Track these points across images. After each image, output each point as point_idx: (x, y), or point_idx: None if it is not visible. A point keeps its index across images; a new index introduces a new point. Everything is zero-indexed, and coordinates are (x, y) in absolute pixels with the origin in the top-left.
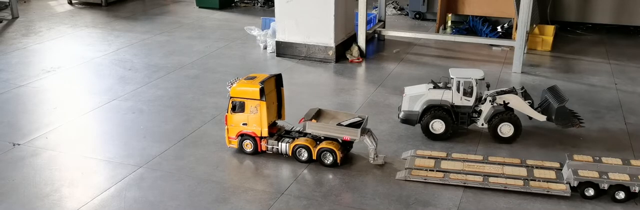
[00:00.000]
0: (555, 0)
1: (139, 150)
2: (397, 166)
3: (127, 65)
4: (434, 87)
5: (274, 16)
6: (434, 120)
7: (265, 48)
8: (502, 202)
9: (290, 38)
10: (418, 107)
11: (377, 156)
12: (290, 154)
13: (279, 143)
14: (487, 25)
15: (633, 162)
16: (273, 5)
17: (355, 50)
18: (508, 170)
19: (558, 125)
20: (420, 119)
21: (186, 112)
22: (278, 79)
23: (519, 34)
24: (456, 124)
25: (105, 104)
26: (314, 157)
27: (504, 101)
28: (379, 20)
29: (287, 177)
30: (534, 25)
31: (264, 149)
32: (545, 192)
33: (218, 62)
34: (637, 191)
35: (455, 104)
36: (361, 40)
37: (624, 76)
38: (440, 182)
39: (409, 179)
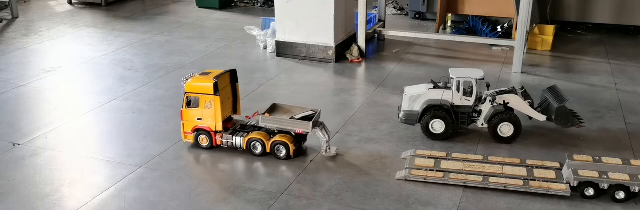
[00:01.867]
0: (555, 0)
1: (139, 150)
2: (397, 166)
3: (127, 65)
4: (434, 87)
5: (274, 16)
6: (434, 120)
7: (265, 48)
8: (502, 202)
9: (290, 38)
10: (418, 107)
11: (330, 148)
12: (244, 148)
13: (234, 137)
14: (487, 25)
15: (633, 162)
16: (273, 5)
17: (355, 50)
18: (508, 170)
19: (558, 125)
20: (420, 119)
21: None
22: (233, 75)
23: (519, 34)
24: (456, 124)
25: (105, 104)
26: (268, 150)
27: (504, 101)
28: (379, 20)
29: (287, 176)
30: (534, 25)
31: (219, 143)
32: (545, 192)
33: (218, 62)
34: (637, 191)
35: (455, 104)
36: (361, 40)
37: (624, 76)
38: (440, 182)
39: (409, 179)
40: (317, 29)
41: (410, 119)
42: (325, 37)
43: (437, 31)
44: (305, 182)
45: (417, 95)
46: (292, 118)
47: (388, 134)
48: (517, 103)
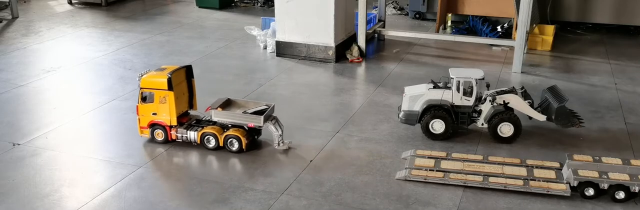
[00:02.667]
0: (555, 0)
1: (139, 150)
2: (397, 166)
3: (127, 65)
4: (434, 87)
5: (274, 16)
6: (434, 120)
7: (265, 48)
8: (502, 202)
9: (290, 38)
10: (418, 107)
11: (283, 142)
12: (198, 142)
13: (188, 131)
14: (487, 25)
15: (633, 162)
16: (273, 5)
17: (355, 50)
18: (508, 170)
19: (558, 125)
20: (420, 119)
21: None
22: (188, 71)
23: (519, 34)
24: (456, 124)
25: (105, 104)
26: (221, 144)
27: (504, 101)
28: (379, 20)
29: (287, 176)
30: (534, 25)
31: (174, 137)
32: (545, 192)
33: (218, 62)
34: (637, 191)
35: (455, 104)
36: (361, 40)
37: (624, 76)
38: (440, 182)
39: (409, 178)
40: (317, 29)
41: (410, 119)
42: (325, 37)
43: (437, 31)
44: (305, 182)
45: (417, 95)
46: (244, 112)
47: (388, 134)
48: (517, 103)
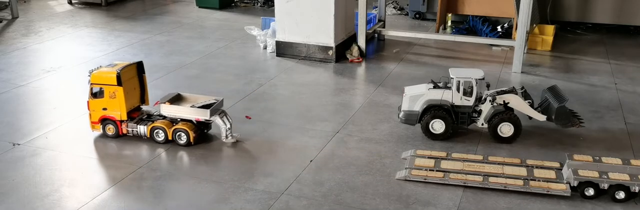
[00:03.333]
0: (555, 0)
1: (139, 150)
2: (397, 166)
3: None
4: (434, 87)
5: (274, 16)
6: (434, 120)
7: (265, 48)
8: (502, 202)
9: (290, 38)
10: (418, 107)
11: (231, 135)
12: (148, 136)
13: (138, 126)
14: (487, 25)
15: (633, 162)
16: (273, 5)
17: (355, 50)
18: (508, 170)
19: (558, 125)
20: (420, 119)
21: None
22: (139, 66)
23: (519, 34)
24: (456, 124)
25: None
26: (170, 137)
27: (504, 101)
28: (379, 20)
29: (287, 176)
30: (534, 25)
31: (125, 131)
32: (545, 192)
33: (218, 62)
34: (637, 191)
35: (455, 104)
36: (361, 40)
37: (624, 76)
38: (440, 182)
39: (409, 178)
40: (317, 29)
41: (410, 119)
42: (325, 37)
43: (437, 31)
44: (305, 182)
45: (417, 95)
46: (192, 106)
47: (388, 134)
48: (517, 103)
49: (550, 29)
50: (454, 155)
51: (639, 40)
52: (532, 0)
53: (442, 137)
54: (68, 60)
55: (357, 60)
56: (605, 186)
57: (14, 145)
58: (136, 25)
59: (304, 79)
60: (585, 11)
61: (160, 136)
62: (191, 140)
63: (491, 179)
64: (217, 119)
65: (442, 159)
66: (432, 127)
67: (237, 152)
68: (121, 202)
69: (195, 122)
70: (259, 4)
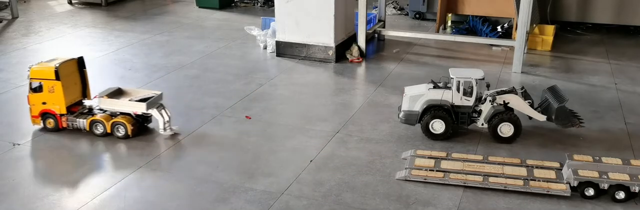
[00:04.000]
0: (555, 0)
1: (138, 150)
2: (397, 166)
3: (127, 65)
4: (434, 87)
5: (274, 16)
6: (434, 120)
7: (265, 48)
8: (502, 202)
9: (290, 38)
10: (418, 107)
11: (170, 128)
12: (88, 129)
13: (78, 119)
14: (487, 25)
15: (633, 162)
16: (273, 5)
17: (355, 50)
18: (508, 170)
19: (558, 125)
20: (420, 119)
21: (186, 112)
22: (80, 61)
23: (519, 34)
24: (456, 124)
25: None
26: (109, 130)
27: (504, 101)
28: (379, 20)
29: (287, 176)
30: (534, 25)
31: (64, 125)
32: (545, 192)
33: (218, 62)
34: (637, 191)
35: (455, 104)
36: (361, 40)
37: (624, 76)
38: (440, 182)
39: (409, 179)
40: (317, 29)
41: (410, 119)
42: (325, 37)
43: (437, 31)
44: (305, 182)
45: (417, 95)
46: (130, 100)
47: (388, 134)
48: (517, 103)
49: (550, 29)
50: (454, 155)
51: (639, 40)
52: (532, 0)
53: (442, 137)
54: None
55: (357, 60)
56: (605, 186)
57: (14, 145)
58: (136, 25)
59: (304, 79)
60: (585, 11)
61: (99, 129)
62: (129, 132)
63: (491, 179)
64: (154, 113)
65: (442, 159)
66: (432, 127)
67: (237, 152)
68: (121, 202)
69: (133, 115)
70: (259, 4)
